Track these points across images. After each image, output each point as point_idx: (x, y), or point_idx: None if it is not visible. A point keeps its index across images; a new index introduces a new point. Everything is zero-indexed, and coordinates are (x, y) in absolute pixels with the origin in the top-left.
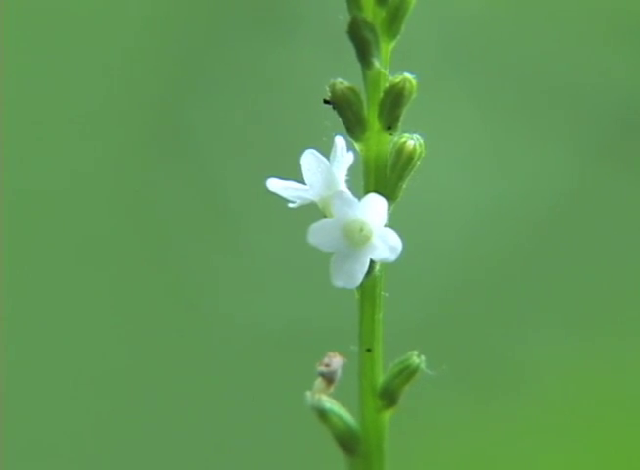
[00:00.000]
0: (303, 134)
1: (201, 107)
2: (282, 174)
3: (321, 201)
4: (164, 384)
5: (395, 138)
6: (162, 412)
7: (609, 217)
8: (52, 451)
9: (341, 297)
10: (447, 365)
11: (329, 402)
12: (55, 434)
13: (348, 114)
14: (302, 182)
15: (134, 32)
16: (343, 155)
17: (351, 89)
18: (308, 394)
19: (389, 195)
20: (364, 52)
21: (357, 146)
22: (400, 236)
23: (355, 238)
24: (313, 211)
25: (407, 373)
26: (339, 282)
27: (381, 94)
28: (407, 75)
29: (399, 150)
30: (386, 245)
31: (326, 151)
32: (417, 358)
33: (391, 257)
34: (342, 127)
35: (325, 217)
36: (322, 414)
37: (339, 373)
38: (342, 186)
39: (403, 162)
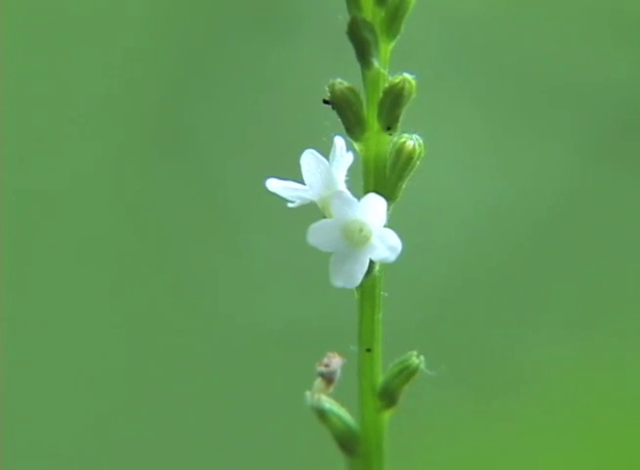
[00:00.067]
0: (303, 134)
1: (201, 107)
2: (281, 174)
3: (320, 201)
4: (164, 384)
5: (395, 138)
6: (162, 412)
7: (609, 217)
8: (52, 451)
9: (340, 297)
10: (447, 365)
11: (328, 402)
12: (55, 434)
13: (348, 114)
14: (302, 182)
15: (134, 32)
16: (343, 155)
17: (351, 89)
18: (308, 394)
19: (389, 195)
20: (363, 52)
21: (357, 146)
22: (400, 236)
23: (355, 238)
24: (313, 212)
25: (407, 373)
26: (338, 282)
27: (380, 94)
28: (406, 76)
29: (399, 150)
30: (385, 245)
31: (325, 151)
32: (416, 358)
33: (391, 257)
34: (342, 127)
35: (324, 218)
36: (322, 414)
37: (338, 373)
38: (342, 186)
39: (403, 162)
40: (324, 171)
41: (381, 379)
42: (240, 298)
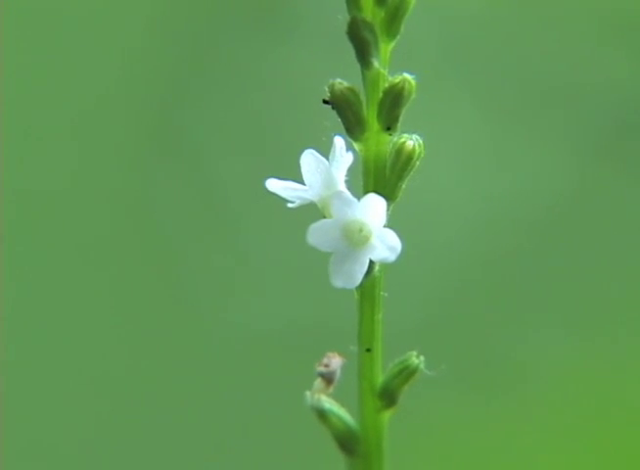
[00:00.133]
0: (303, 134)
1: (200, 107)
2: (281, 174)
3: (320, 201)
4: (164, 384)
5: (395, 138)
6: (162, 412)
7: (608, 217)
8: (52, 451)
9: (340, 297)
10: (447, 365)
11: (328, 403)
12: (55, 434)
13: (348, 114)
14: (302, 182)
15: (133, 33)
16: (343, 155)
17: (351, 89)
18: (308, 394)
19: (389, 195)
20: (363, 52)
21: (357, 146)
22: (400, 236)
23: (355, 238)
24: (312, 212)
25: (406, 373)
26: (338, 282)
27: (380, 94)
28: (406, 76)
29: (399, 150)
30: (385, 245)
31: (325, 151)
32: (416, 359)
33: (391, 257)
34: (342, 127)
35: (324, 218)
36: (322, 414)
37: (338, 373)
38: (342, 186)
39: (402, 162)
40: (324, 171)
41: (381, 379)
42: (239, 298)
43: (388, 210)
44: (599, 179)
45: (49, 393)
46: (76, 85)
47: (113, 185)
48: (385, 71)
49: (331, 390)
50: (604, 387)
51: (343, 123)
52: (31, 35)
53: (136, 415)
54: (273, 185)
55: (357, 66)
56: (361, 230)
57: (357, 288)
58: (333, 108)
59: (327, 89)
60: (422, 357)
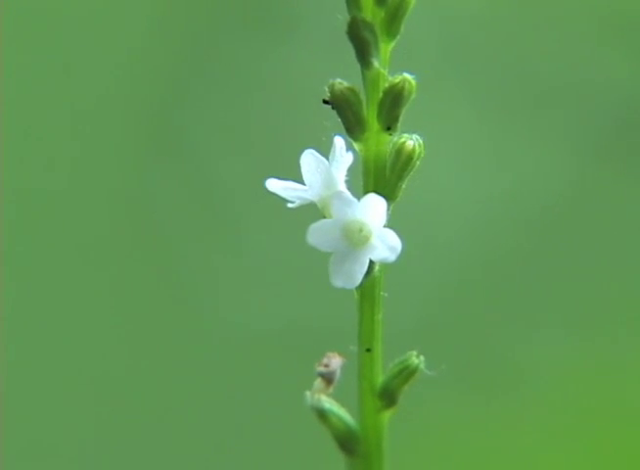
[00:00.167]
0: (303, 134)
1: (200, 107)
2: (281, 174)
3: (320, 201)
4: (164, 384)
5: (395, 138)
6: (162, 412)
7: (608, 217)
8: (52, 451)
9: (340, 297)
10: (447, 365)
11: (328, 403)
12: (55, 434)
13: (348, 114)
14: (302, 182)
15: (132, 33)
16: (343, 155)
17: (351, 89)
18: (308, 394)
19: (389, 195)
20: (363, 52)
21: (357, 146)
22: (400, 236)
23: (355, 238)
24: (312, 212)
25: (406, 373)
26: (338, 282)
27: (380, 94)
28: (406, 76)
29: (399, 150)
30: (385, 245)
31: (325, 151)
32: (416, 358)
33: (391, 257)
34: (342, 127)
35: (324, 218)
36: (322, 414)
37: (338, 373)
38: (342, 186)
39: (402, 162)
40: (324, 171)
41: (381, 379)
42: (239, 298)
43: (388, 209)
44: (599, 179)
45: (49, 393)
46: (76, 85)
47: (112, 185)
48: (385, 71)
49: (331, 390)
50: (604, 387)
51: (344, 123)
52: (31, 35)
53: (136, 415)
54: (273, 185)
55: (357, 66)
56: (361, 230)
57: (357, 288)
58: (333, 108)
59: (327, 89)
60: (422, 357)
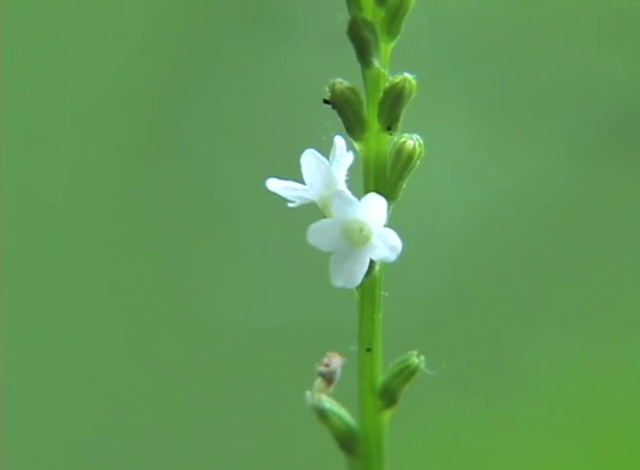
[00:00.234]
0: (303, 134)
1: (199, 107)
2: (281, 174)
3: (321, 201)
4: (164, 383)
5: (395, 138)
6: (162, 411)
7: (607, 217)
8: (52, 451)
9: (340, 296)
10: (447, 365)
11: (329, 402)
12: (55, 434)
13: (348, 113)
14: (302, 182)
15: (132, 33)
16: (343, 155)
17: (351, 89)
18: (308, 394)
19: (389, 195)
20: (364, 52)
21: (357, 146)
22: (400, 236)
23: (355, 238)
24: (313, 211)
25: (407, 373)
26: (338, 282)
27: (380, 94)
28: (407, 75)
29: (399, 150)
30: (385, 245)
31: (326, 151)
32: (416, 358)
33: (391, 256)
34: (342, 127)
35: (324, 217)
36: (322, 414)
37: (338, 373)
38: (342, 186)
39: (403, 161)
40: (324, 171)
41: (381, 379)
42: (239, 297)
43: (388, 209)
44: (598, 179)
45: (49, 392)
46: (76, 85)
47: (112, 185)
48: (385, 71)
49: (331, 389)
50: (604, 387)
51: (344, 123)
52: (31, 35)
53: (136, 415)
54: (273, 185)
55: (357, 65)
56: (362, 230)
57: (357, 288)
58: (333, 107)
59: (327, 89)
60: (422, 357)
